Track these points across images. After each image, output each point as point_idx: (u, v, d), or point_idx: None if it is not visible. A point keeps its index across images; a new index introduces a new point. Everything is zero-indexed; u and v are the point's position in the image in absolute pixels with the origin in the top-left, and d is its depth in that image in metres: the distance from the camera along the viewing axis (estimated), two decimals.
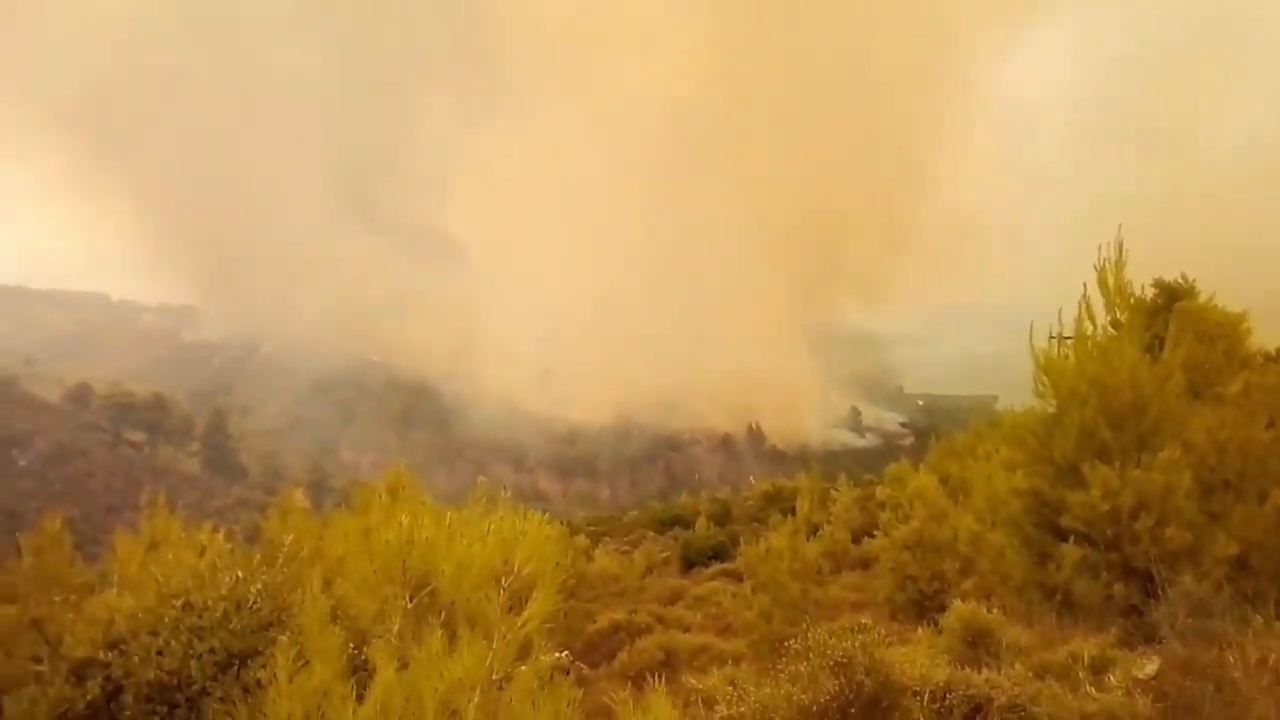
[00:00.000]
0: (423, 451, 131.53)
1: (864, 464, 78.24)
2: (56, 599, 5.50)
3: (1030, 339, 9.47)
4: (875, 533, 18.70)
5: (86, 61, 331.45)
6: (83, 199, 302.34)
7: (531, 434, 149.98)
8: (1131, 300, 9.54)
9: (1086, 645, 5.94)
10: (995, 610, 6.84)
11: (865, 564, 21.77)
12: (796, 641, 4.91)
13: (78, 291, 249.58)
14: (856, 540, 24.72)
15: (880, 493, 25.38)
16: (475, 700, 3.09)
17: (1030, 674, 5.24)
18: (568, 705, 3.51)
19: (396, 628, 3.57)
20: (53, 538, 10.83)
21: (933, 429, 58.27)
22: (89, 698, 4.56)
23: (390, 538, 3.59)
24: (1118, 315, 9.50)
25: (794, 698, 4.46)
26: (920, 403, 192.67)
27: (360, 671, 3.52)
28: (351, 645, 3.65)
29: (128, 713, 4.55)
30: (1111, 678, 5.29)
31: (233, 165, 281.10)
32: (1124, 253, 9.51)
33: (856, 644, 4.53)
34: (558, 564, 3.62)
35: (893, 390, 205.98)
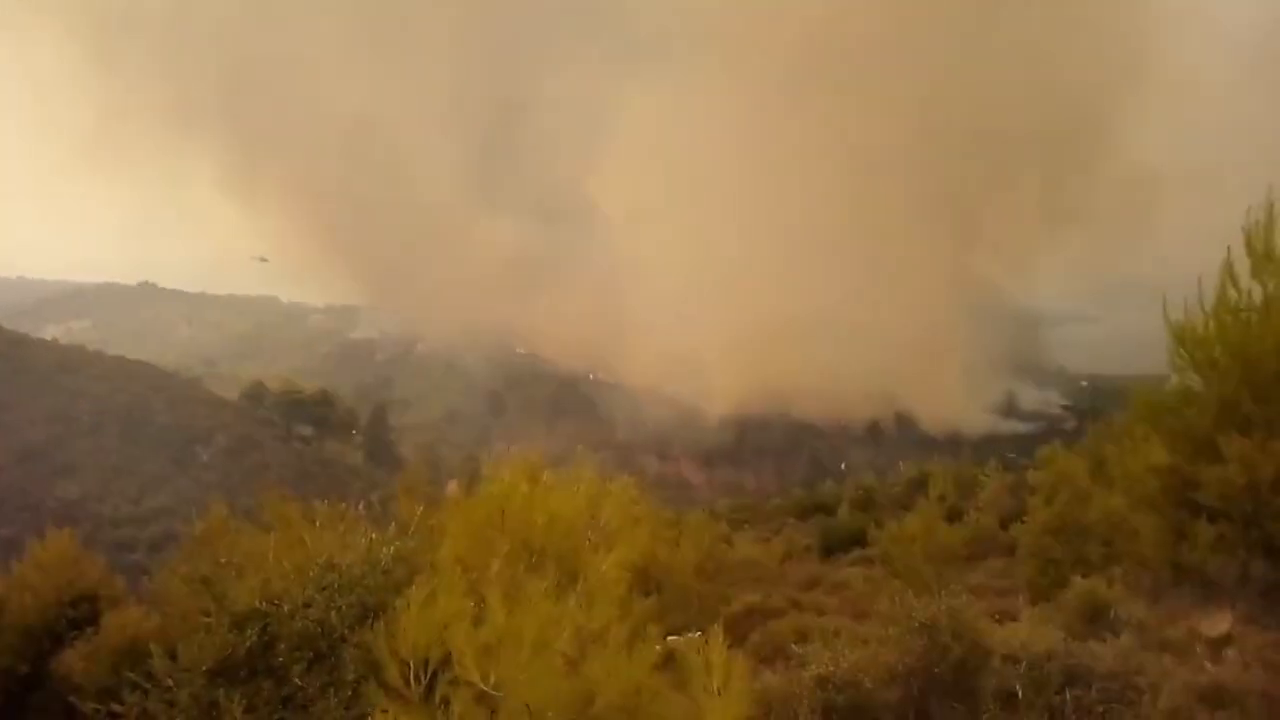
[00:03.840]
0: (570, 441, 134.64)
1: (1023, 449, 74.67)
2: (222, 561, 6.24)
3: (1165, 310, 9.11)
4: (1025, 519, 18.35)
5: (220, 56, 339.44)
6: (245, 203, 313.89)
7: (675, 423, 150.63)
8: None
9: (1210, 621, 5.78)
10: (1118, 586, 6.70)
11: (1013, 551, 21.28)
12: (883, 605, 5.04)
13: (252, 296, 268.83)
14: (1006, 526, 24.18)
15: (1032, 477, 24.73)
16: (567, 634, 3.45)
17: (1141, 647, 5.17)
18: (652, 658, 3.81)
19: (496, 568, 3.98)
20: (220, 521, 12.33)
21: (1097, 411, 54.79)
22: (248, 644, 5.21)
23: (492, 492, 4.01)
24: (1265, 282, 8.96)
25: (881, 658, 4.60)
26: (1084, 384, 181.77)
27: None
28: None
29: (280, 658, 5.19)
30: (1230, 652, 5.16)
31: (375, 149, 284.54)
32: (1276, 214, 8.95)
33: (943, 608, 4.62)
34: (638, 520, 3.93)
35: (1054, 371, 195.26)
